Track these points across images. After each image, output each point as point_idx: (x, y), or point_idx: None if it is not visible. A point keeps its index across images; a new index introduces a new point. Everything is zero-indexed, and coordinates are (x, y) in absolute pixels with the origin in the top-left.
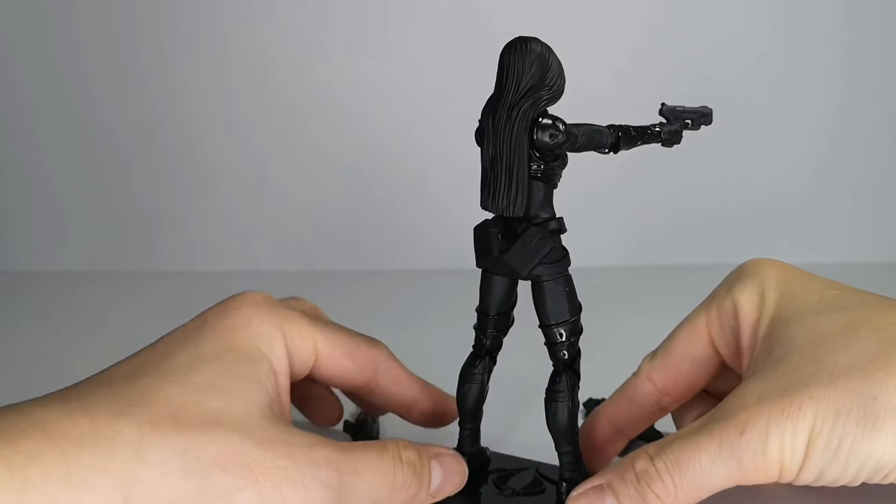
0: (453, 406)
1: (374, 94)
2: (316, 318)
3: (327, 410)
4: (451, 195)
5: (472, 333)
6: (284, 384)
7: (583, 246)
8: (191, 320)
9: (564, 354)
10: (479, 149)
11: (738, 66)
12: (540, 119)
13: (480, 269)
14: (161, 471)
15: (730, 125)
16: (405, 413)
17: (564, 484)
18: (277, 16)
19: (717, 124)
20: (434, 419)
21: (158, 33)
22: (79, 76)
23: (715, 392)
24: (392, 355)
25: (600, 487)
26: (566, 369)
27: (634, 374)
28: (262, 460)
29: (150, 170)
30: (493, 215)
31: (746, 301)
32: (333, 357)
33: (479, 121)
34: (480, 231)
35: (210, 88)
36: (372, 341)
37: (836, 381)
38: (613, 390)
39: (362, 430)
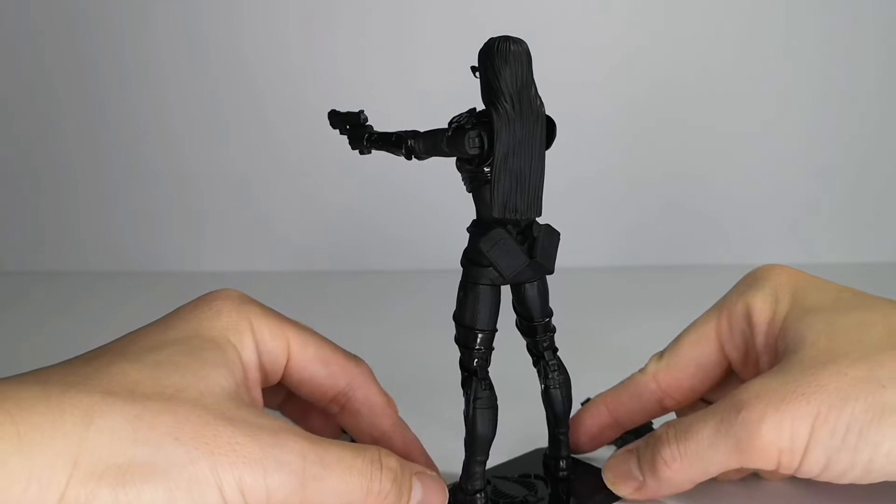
0: (427, 460)
1: (369, 93)
2: (290, 320)
3: (329, 423)
4: (445, 195)
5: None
6: (254, 377)
7: (589, 246)
8: (163, 316)
9: (553, 342)
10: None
11: (741, 69)
12: (550, 119)
13: (470, 286)
14: (111, 437)
15: (732, 127)
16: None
17: (563, 462)
18: (267, 19)
19: (721, 125)
20: None
21: (154, 37)
22: (78, 78)
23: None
24: (371, 376)
25: (630, 451)
26: (555, 356)
27: (641, 371)
28: (221, 435)
29: (150, 171)
30: (494, 224)
31: (760, 303)
32: (305, 358)
33: (467, 126)
34: (497, 243)
35: (209, 91)
36: (351, 355)
37: (845, 371)
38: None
39: None
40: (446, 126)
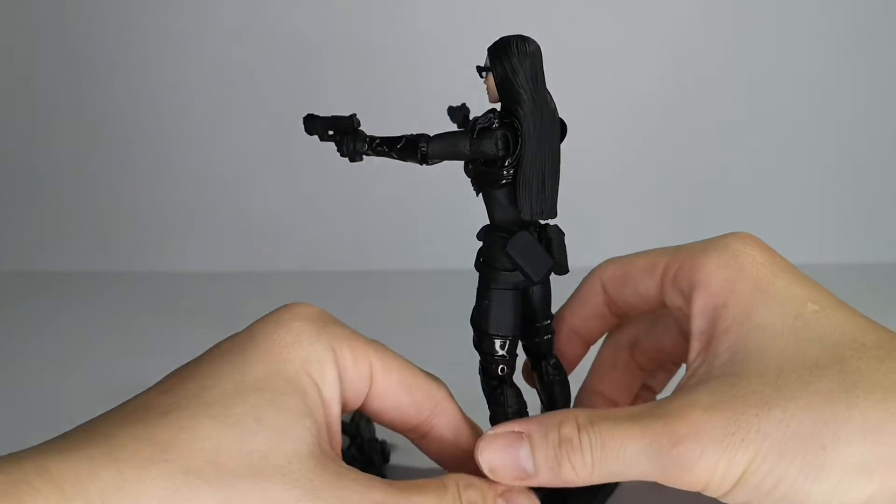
0: None
1: (373, 90)
2: (371, 341)
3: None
4: (445, 195)
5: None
6: (335, 412)
7: (594, 247)
8: (236, 335)
9: (553, 342)
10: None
11: (746, 70)
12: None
13: (494, 291)
14: None
15: (731, 123)
16: (453, 468)
17: None
18: (272, 17)
19: (720, 122)
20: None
21: (156, 35)
22: (80, 78)
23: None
24: (452, 397)
25: (519, 435)
26: (555, 357)
27: (589, 273)
28: None
29: (150, 170)
30: (513, 227)
31: (716, 281)
32: (388, 386)
33: (493, 126)
34: (525, 247)
35: (208, 90)
36: (431, 377)
37: (788, 422)
38: None
39: (357, 429)
40: (460, 128)
